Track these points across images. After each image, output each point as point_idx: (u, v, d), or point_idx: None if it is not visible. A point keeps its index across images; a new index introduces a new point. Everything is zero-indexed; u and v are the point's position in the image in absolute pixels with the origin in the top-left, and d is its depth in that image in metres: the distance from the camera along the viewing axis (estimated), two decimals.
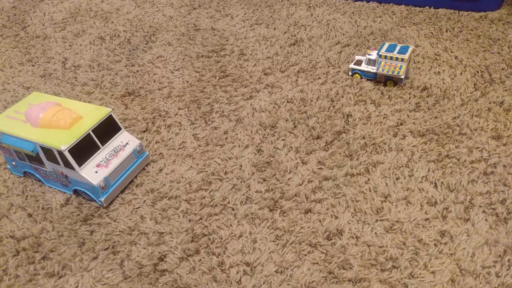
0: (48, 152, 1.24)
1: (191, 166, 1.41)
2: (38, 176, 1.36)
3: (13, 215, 1.29)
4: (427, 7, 2.22)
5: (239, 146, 1.47)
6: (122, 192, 1.33)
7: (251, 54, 1.96)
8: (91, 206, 1.30)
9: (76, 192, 1.33)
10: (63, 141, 1.20)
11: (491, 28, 1.99)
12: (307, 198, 1.27)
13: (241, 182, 1.34)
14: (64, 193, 1.35)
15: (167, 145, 1.50)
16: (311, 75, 1.79)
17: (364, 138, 1.45)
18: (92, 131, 1.27)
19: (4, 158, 1.41)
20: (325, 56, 1.90)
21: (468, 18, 2.09)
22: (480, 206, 1.19)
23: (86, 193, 1.29)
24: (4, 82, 1.91)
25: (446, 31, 2.00)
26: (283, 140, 1.48)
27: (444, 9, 2.19)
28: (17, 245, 1.20)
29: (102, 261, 1.14)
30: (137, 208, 1.28)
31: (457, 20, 2.09)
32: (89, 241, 1.19)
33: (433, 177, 1.29)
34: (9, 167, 1.43)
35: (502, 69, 1.72)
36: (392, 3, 2.28)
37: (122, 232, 1.21)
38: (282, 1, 2.41)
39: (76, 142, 1.22)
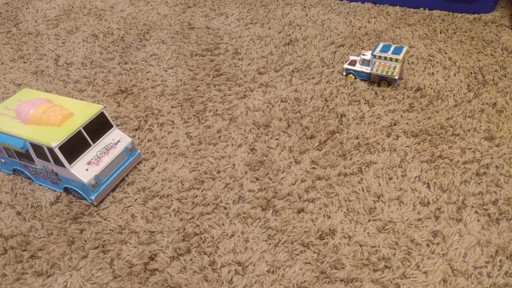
0: (38, 149, 1.22)
1: (183, 165, 1.40)
2: (27, 173, 1.34)
3: (2, 213, 1.27)
4: (421, 9, 2.22)
5: (232, 145, 1.46)
6: (113, 190, 1.32)
7: (245, 53, 1.95)
8: (81, 204, 1.28)
9: (66, 190, 1.31)
10: (53, 138, 1.19)
11: (484, 30, 2.00)
12: (300, 197, 1.26)
13: (233, 181, 1.33)
14: (54, 191, 1.33)
15: (159, 144, 1.49)
16: (305, 74, 1.78)
17: (357, 138, 1.45)
18: (83, 128, 1.25)
19: None
20: (319, 56, 1.90)
21: (462, 20, 2.10)
22: (472, 207, 1.19)
23: (76, 191, 1.27)
24: None
25: (440, 33, 2.01)
26: (276, 139, 1.47)
27: (439, 10, 2.20)
28: (5, 243, 1.18)
29: (92, 260, 1.12)
30: (128, 206, 1.27)
31: (451, 21, 2.09)
32: (79, 240, 1.18)
33: (426, 178, 1.29)
34: None
35: (495, 70, 1.72)
36: (387, 4, 2.28)
37: (112, 230, 1.20)
38: (277, 0, 2.40)
39: (67, 139, 1.20)
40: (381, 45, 1.68)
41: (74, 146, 1.23)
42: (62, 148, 1.19)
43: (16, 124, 1.26)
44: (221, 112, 1.62)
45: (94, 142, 1.28)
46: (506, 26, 2.02)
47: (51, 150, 1.19)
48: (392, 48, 1.65)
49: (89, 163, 1.25)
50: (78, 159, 1.23)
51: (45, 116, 1.23)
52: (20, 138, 1.22)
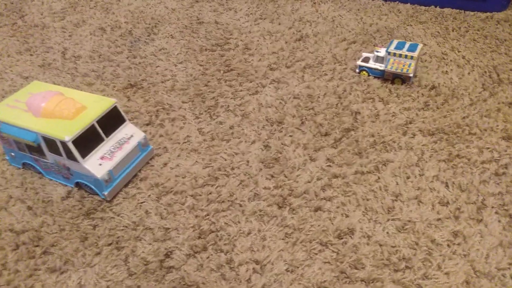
0: (50, 143, 1.20)
1: (196, 161, 1.37)
2: (38, 167, 1.32)
3: (12, 208, 1.24)
4: (432, 6, 2.20)
5: (245, 141, 1.44)
6: (125, 186, 1.29)
7: (256, 49, 1.92)
8: (93, 199, 1.26)
9: (77, 185, 1.28)
10: (66, 132, 1.16)
11: (497, 28, 1.98)
12: (317, 195, 1.24)
13: (248, 178, 1.30)
14: (65, 185, 1.30)
15: (171, 139, 1.46)
16: (317, 71, 1.76)
17: (373, 136, 1.43)
18: (97, 122, 1.22)
19: (3, 148, 1.36)
20: (331, 52, 1.87)
21: (474, 18, 2.08)
22: (492, 207, 1.18)
23: (88, 186, 1.24)
24: (1, 71, 1.85)
25: (453, 31, 1.99)
26: (290, 136, 1.45)
27: (450, 8, 2.18)
28: (16, 238, 1.15)
29: (106, 257, 1.10)
30: (141, 202, 1.24)
31: (463, 20, 2.07)
32: (92, 236, 1.15)
33: (444, 177, 1.27)
34: (7, 158, 1.38)
35: (510, 69, 1.71)
36: (397, 1, 2.26)
37: (126, 227, 1.17)
38: None
39: (80, 133, 1.18)
40: (395, 42, 1.66)
41: (87, 140, 1.20)
42: (75, 142, 1.17)
43: (27, 117, 1.23)
44: (233, 108, 1.59)
45: (107, 137, 1.25)
46: None
47: (64, 144, 1.16)
48: (407, 45, 1.62)
49: (102, 157, 1.22)
50: (91, 154, 1.21)
51: (57, 109, 1.20)
52: (32, 131, 1.20)
